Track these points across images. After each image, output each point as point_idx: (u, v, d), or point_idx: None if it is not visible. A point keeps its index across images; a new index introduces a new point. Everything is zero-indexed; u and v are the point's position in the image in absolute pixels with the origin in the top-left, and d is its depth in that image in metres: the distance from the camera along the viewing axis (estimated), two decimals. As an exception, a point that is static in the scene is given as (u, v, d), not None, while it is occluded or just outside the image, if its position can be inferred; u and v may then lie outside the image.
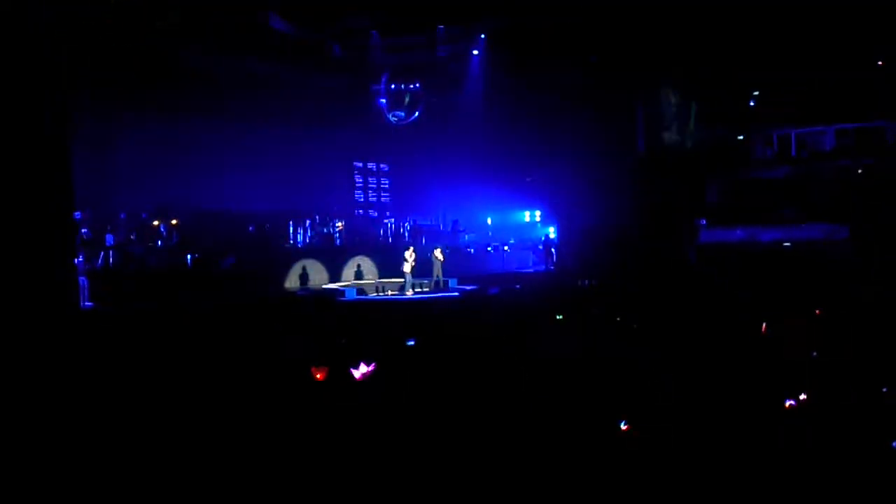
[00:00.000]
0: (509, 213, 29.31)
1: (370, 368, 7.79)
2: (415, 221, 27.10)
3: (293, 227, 22.88)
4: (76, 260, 15.79)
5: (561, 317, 12.49)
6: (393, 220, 26.98)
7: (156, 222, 21.00)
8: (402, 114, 27.30)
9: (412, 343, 10.02)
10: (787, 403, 6.47)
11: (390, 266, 22.72)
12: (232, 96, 22.22)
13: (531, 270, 26.06)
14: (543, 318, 12.49)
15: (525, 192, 27.81)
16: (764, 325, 10.20)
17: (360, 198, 29.09)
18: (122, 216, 20.19)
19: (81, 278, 15.77)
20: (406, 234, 25.84)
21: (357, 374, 7.73)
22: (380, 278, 22.80)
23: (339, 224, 24.49)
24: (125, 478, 5.34)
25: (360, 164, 28.89)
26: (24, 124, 8.53)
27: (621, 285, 17.92)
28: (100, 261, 18.45)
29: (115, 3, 18.09)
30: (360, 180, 29.14)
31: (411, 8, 22.63)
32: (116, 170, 20.18)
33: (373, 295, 20.22)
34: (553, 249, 25.58)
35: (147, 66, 19.20)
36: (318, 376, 7.80)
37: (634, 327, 11.24)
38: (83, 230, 19.25)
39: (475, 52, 25.82)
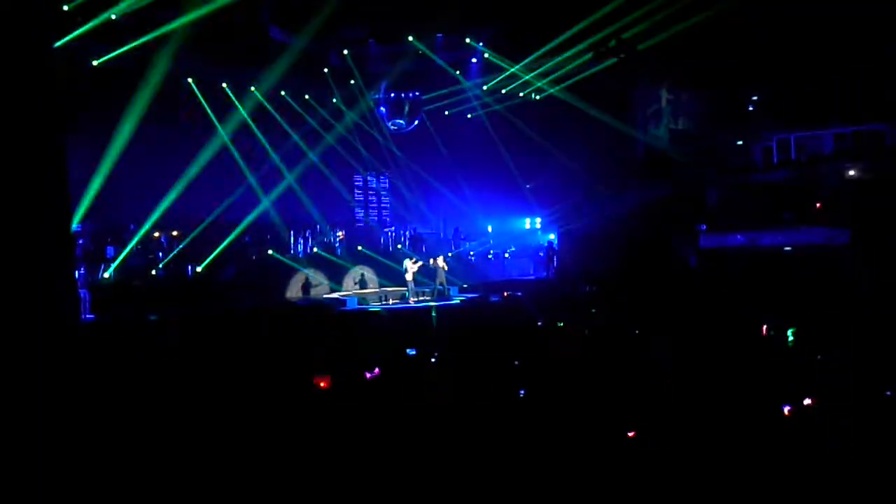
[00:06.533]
0: (509, 220, 29.28)
1: (374, 373, 7.80)
2: (415, 230, 27.09)
3: (294, 236, 22.88)
4: (78, 272, 15.86)
5: (562, 324, 12.46)
6: (393, 228, 26.98)
7: (157, 234, 21.03)
8: (402, 122, 27.31)
9: (413, 353, 9.98)
10: (787, 409, 6.44)
11: (392, 274, 22.74)
12: (231, 107, 22.28)
13: (532, 277, 26.03)
14: (546, 325, 12.47)
15: (525, 200, 27.80)
16: (764, 329, 10.17)
17: (360, 207, 29.10)
18: (133, 227, 20.20)
19: (83, 291, 15.78)
20: (407, 243, 25.84)
21: None
22: (381, 287, 22.77)
23: (340, 233, 24.51)
24: (129, 488, 5.34)
25: (360, 173, 28.90)
26: (20, 133, 8.51)
27: (622, 291, 17.89)
28: (100, 273, 18.49)
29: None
30: (361, 189, 29.15)
31: (410, 16, 22.67)
32: (115, 181, 20.16)
33: (375, 305, 20.18)
34: (554, 256, 25.56)
35: (145, 76, 19.24)
36: (322, 385, 7.81)
37: (636, 333, 11.21)
38: (82, 241, 19.30)
39: (473, 60, 25.86)
